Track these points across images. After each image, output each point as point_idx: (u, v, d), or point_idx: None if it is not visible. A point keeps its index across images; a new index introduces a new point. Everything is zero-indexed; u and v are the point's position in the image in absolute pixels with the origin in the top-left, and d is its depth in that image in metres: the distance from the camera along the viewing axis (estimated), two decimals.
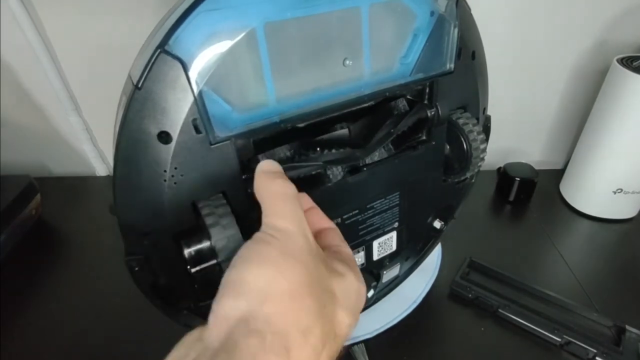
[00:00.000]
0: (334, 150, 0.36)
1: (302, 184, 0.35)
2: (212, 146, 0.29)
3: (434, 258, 0.60)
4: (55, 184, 0.78)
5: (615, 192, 0.66)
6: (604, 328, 0.52)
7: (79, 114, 0.75)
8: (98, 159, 0.81)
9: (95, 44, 0.67)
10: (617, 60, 0.61)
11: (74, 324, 0.53)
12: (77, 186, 0.79)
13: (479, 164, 0.42)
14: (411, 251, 0.50)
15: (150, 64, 0.25)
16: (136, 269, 0.31)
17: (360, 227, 0.41)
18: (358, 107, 0.36)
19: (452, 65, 0.38)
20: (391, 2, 0.33)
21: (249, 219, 0.29)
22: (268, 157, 0.34)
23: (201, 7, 0.25)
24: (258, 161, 0.31)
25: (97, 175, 0.83)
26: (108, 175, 0.83)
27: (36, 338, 0.52)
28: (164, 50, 0.25)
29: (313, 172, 0.35)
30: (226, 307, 0.22)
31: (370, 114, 0.39)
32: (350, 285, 0.26)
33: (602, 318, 0.52)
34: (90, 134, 0.78)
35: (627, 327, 0.50)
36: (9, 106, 0.74)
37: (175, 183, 0.28)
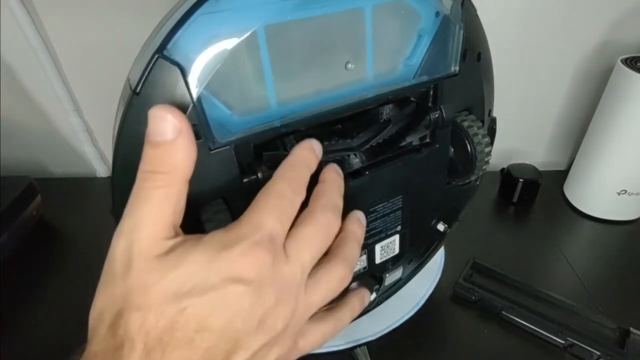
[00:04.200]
0: (326, 143, 0.35)
1: None
2: (212, 152, 0.28)
3: (437, 260, 0.60)
4: (56, 185, 0.78)
5: (619, 194, 0.66)
6: (608, 330, 0.51)
7: (79, 115, 0.74)
8: (99, 160, 0.80)
9: (96, 44, 0.67)
10: (621, 61, 0.61)
11: (74, 324, 0.53)
12: (77, 187, 0.79)
13: (484, 167, 0.41)
14: (414, 254, 0.49)
15: (148, 70, 0.25)
16: None
17: None
18: (360, 110, 0.36)
19: (457, 68, 0.38)
20: (395, 2, 0.33)
21: None
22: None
23: (200, 10, 0.24)
24: (258, 165, 0.31)
25: (98, 176, 0.83)
26: (109, 177, 0.82)
27: (36, 338, 0.52)
28: (162, 55, 0.24)
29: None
30: None
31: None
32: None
33: (606, 320, 0.52)
34: (90, 134, 0.77)
35: (632, 329, 0.50)
36: (9, 106, 0.74)
37: None
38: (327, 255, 0.28)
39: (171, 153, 0.23)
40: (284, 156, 0.29)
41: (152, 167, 0.23)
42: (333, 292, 0.28)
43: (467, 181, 0.44)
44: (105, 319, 0.22)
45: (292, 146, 0.29)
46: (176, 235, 0.24)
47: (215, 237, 0.24)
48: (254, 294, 0.23)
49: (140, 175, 0.23)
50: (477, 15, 0.39)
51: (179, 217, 0.25)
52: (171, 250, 0.23)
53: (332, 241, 0.28)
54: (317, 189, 0.29)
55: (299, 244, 0.26)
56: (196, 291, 0.22)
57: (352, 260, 0.30)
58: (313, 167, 0.29)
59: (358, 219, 0.32)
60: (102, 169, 0.82)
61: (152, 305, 0.21)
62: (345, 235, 0.30)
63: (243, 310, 0.22)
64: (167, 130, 0.23)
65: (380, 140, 0.38)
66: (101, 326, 0.22)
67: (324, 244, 0.27)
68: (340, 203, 0.29)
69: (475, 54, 0.39)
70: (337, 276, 0.28)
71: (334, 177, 0.30)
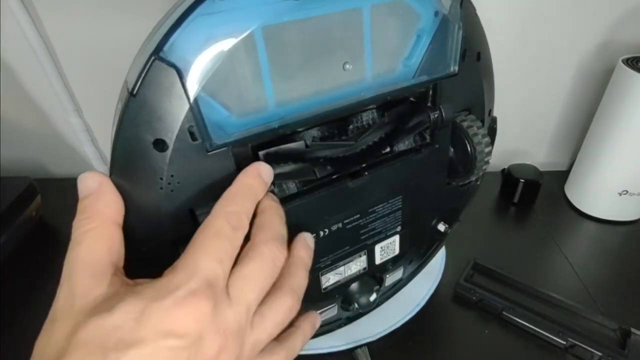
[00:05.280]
0: (329, 142, 0.35)
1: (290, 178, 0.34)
2: (209, 153, 0.28)
3: (438, 260, 0.60)
4: (56, 186, 0.77)
5: (620, 194, 0.66)
6: (609, 331, 0.51)
7: (79, 115, 0.74)
8: (99, 161, 0.80)
9: (96, 44, 0.67)
10: (623, 61, 0.61)
11: None
12: (77, 188, 0.79)
13: (484, 167, 0.41)
14: (415, 254, 0.49)
15: (145, 71, 0.24)
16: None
17: (361, 232, 0.41)
18: (359, 111, 0.35)
19: (457, 68, 0.37)
20: (394, 2, 0.33)
21: None
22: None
23: (197, 11, 0.24)
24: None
25: None
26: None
27: (36, 339, 0.52)
28: (158, 57, 0.24)
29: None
30: None
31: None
32: None
33: (607, 321, 0.52)
34: (91, 135, 0.77)
35: (633, 330, 0.50)
36: (9, 107, 0.74)
37: (172, 190, 0.28)
38: (272, 285, 0.27)
39: (94, 200, 0.26)
40: (282, 152, 0.28)
41: (79, 217, 0.25)
42: (280, 326, 0.27)
43: (467, 181, 0.44)
44: None
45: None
46: (115, 276, 0.24)
47: (149, 286, 0.23)
48: (191, 347, 0.21)
49: (72, 227, 0.25)
50: (476, 14, 0.38)
51: (117, 258, 0.25)
52: (105, 296, 0.22)
53: (279, 272, 0.27)
54: (257, 220, 0.28)
55: (243, 283, 0.25)
56: (121, 345, 0.20)
57: (300, 288, 0.29)
58: (259, 195, 0.28)
59: (305, 243, 0.31)
60: (102, 169, 0.81)
61: (80, 355, 0.20)
62: (291, 263, 0.29)
63: None
64: (87, 185, 0.26)
65: (378, 140, 0.38)
66: None
67: (270, 279, 0.26)
68: (284, 231, 0.28)
69: (474, 54, 0.39)
70: (283, 308, 0.27)
71: (271, 204, 0.29)
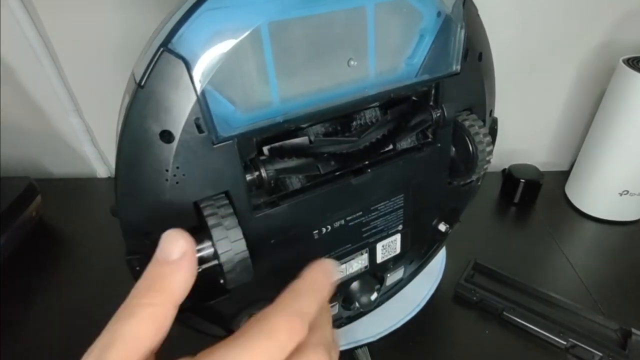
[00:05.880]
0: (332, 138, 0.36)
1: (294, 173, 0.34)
2: (215, 146, 0.28)
3: (439, 260, 0.60)
4: (56, 186, 0.78)
5: (621, 194, 0.66)
6: (610, 331, 0.51)
7: (79, 115, 0.74)
8: (99, 161, 0.80)
9: (96, 44, 0.67)
10: (623, 61, 0.61)
11: (74, 325, 0.53)
12: (77, 188, 0.79)
13: (485, 166, 0.41)
14: (415, 254, 0.49)
15: (153, 63, 0.25)
16: (137, 268, 0.31)
17: (363, 229, 0.41)
18: (363, 108, 0.35)
19: (459, 67, 0.38)
20: (397, 1, 0.33)
21: (251, 219, 0.29)
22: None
23: (205, 6, 0.25)
24: (261, 161, 0.31)
25: (98, 176, 0.82)
26: (109, 177, 0.83)
27: (36, 340, 0.52)
28: (167, 49, 0.25)
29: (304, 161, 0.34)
30: None
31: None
32: None
33: (608, 321, 0.52)
34: (91, 135, 0.77)
35: (634, 330, 0.50)
36: (9, 107, 0.74)
37: (177, 182, 0.28)
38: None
39: (170, 273, 0.23)
40: (286, 146, 0.28)
41: (147, 283, 0.23)
42: None
43: (468, 181, 0.44)
44: None
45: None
46: None
47: None
48: None
49: (133, 291, 0.22)
50: (478, 15, 0.39)
51: (158, 344, 0.23)
52: None
53: None
54: (312, 321, 0.25)
55: None
56: None
57: (328, 343, 0.26)
58: (325, 297, 0.25)
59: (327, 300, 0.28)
60: (102, 170, 0.82)
61: None
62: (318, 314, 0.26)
63: None
64: (170, 250, 0.23)
65: (381, 137, 0.38)
66: None
67: None
68: (332, 338, 0.26)
69: (476, 54, 0.39)
70: None
71: (328, 307, 0.27)
